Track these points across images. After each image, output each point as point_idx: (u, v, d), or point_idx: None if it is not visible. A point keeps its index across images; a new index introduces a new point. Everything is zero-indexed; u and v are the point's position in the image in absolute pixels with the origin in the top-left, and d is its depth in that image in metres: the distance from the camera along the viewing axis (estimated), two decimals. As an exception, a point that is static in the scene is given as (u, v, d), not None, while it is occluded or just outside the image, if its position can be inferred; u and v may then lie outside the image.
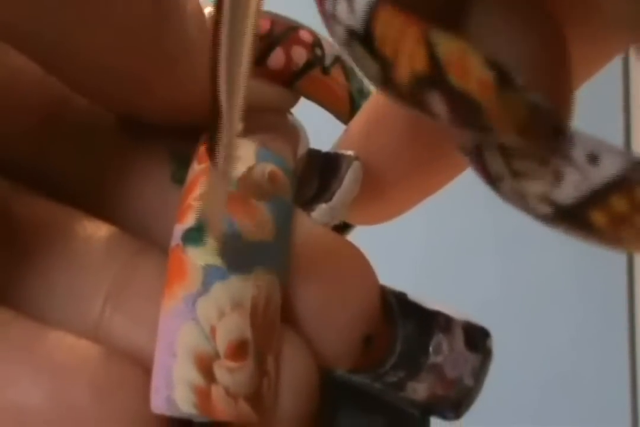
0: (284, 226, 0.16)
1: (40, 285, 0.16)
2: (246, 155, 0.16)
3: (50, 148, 0.18)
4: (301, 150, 0.18)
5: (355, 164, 0.18)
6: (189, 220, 0.16)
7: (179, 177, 0.17)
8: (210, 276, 0.15)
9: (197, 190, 0.16)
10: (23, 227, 0.16)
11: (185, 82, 0.17)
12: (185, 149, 0.17)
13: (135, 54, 0.16)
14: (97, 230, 0.16)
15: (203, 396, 0.14)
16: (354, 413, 0.16)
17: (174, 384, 0.14)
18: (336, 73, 0.21)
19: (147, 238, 0.17)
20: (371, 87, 0.22)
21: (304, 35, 0.20)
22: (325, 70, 0.20)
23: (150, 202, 0.17)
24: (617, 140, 0.86)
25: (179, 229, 0.16)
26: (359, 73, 0.22)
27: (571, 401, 0.86)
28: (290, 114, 0.20)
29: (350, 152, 0.19)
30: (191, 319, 0.15)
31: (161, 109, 0.17)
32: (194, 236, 0.15)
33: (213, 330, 0.15)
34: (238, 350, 0.15)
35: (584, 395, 0.86)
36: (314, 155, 0.19)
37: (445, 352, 0.16)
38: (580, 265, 0.86)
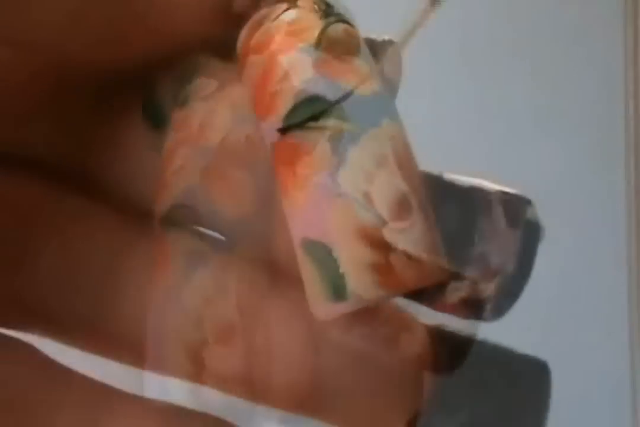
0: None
1: None
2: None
3: (31, 126, 0.17)
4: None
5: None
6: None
7: (156, 120, 0.17)
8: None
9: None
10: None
11: (160, 28, 0.17)
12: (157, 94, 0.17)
13: (105, 11, 0.16)
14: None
15: (385, 272, 0.14)
16: None
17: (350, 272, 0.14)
18: None
19: (136, 202, 0.17)
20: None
21: None
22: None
23: (136, 167, 0.17)
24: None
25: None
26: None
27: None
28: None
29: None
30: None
31: (140, 56, 0.17)
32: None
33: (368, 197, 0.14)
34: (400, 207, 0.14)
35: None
36: None
37: (488, 236, 0.15)
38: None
